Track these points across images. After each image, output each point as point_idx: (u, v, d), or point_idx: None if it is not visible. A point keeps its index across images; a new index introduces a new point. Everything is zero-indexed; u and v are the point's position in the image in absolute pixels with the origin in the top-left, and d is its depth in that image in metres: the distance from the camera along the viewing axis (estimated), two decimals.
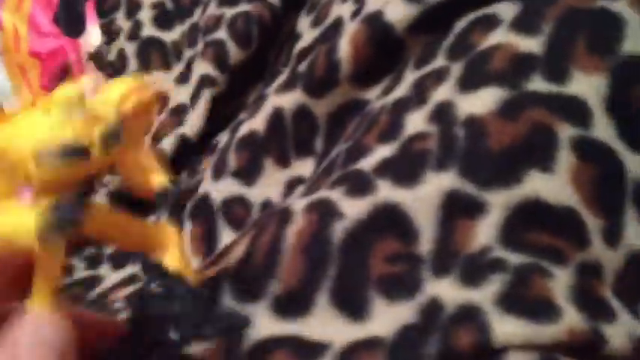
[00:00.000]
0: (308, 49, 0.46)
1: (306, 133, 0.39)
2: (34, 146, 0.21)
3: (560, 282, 0.25)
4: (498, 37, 0.31)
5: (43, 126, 0.21)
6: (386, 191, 0.29)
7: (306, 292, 0.28)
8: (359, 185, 0.30)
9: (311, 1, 0.51)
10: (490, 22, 0.32)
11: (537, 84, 0.29)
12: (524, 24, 0.31)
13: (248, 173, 0.40)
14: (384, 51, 0.36)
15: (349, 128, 0.37)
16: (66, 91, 0.22)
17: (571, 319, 0.24)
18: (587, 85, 0.29)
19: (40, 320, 0.22)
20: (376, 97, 0.37)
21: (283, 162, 0.39)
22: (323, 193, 0.30)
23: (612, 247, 0.27)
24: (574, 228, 0.27)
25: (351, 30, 0.37)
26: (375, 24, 0.36)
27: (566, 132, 0.28)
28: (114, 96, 0.22)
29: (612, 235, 0.27)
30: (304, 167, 0.39)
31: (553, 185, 0.27)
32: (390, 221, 0.28)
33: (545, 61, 0.30)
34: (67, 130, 0.21)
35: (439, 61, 0.33)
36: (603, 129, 0.28)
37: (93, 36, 0.62)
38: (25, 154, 0.21)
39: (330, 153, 0.37)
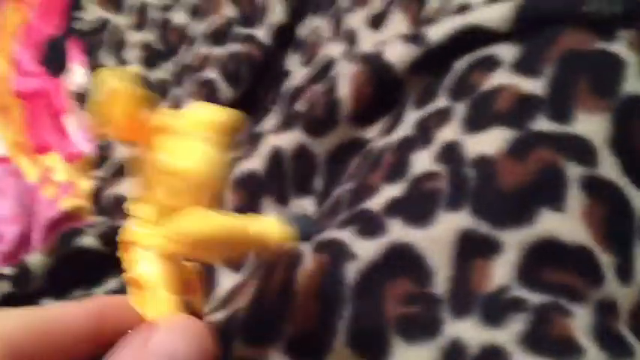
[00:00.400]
0: (301, 89, 0.46)
1: (305, 172, 0.39)
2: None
3: (580, 320, 0.25)
4: (501, 78, 0.32)
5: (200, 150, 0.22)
6: (397, 231, 0.29)
7: (321, 335, 0.27)
8: (369, 225, 0.30)
9: (298, 40, 0.52)
10: (490, 63, 0.33)
11: (543, 124, 0.30)
12: (525, 66, 0.32)
13: (246, 213, 0.39)
14: (383, 91, 0.37)
15: (350, 167, 0.37)
16: (211, 113, 0.24)
17: (593, 357, 0.24)
18: (591, 124, 0.29)
19: (175, 328, 0.21)
20: (376, 137, 0.37)
21: (282, 201, 0.39)
22: (332, 234, 0.30)
23: (625, 284, 0.27)
24: (589, 266, 0.27)
25: (350, 70, 0.37)
26: (376, 64, 0.37)
27: (574, 171, 0.28)
28: (203, 119, 0.23)
29: (625, 272, 0.27)
30: (303, 206, 0.38)
31: (565, 223, 0.27)
32: (404, 261, 0.28)
33: (549, 102, 0.30)
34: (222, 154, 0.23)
35: (441, 101, 0.34)
36: (609, 167, 0.29)
37: (77, 75, 0.61)
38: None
39: (330, 192, 0.37)
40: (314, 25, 0.51)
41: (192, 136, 0.23)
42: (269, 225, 0.25)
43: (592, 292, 0.26)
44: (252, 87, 0.52)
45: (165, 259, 0.23)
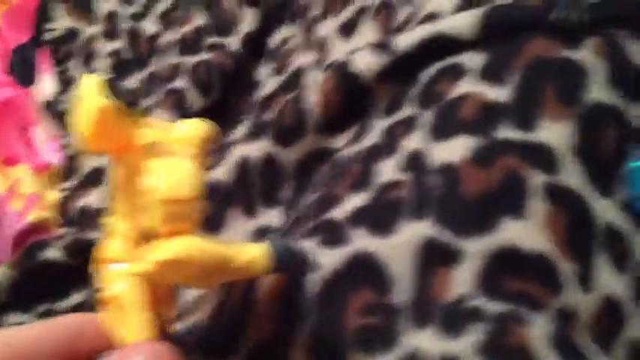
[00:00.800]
0: (270, 98, 0.46)
1: (273, 182, 0.38)
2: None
3: (538, 329, 0.25)
4: (467, 86, 0.32)
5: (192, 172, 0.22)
6: (360, 241, 0.28)
7: (281, 346, 0.27)
8: (333, 235, 0.29)
9: (270, 49, 0.51)
10: (457, 72, 0.33)
11: (507, 132, 0.30)
12: (491, 73, 0.32)
13: (212, 224, 0.39)
14: (352, 99, 0.37)
15: (318, 177, 0.36)
16: (197, 128, 0.24)
17: None
18: (556, 132, 0.29)
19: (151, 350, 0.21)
20: (344, 146, 0.36)
21: (250, 212, 0.38)
22: (297, 244, 0.29)
23: (586, 292, 0.27)
24: (549, 274, 0.27)
25: (319, 79, 0.37)
26: (344, 73, 0.36)
27: (537, 179, 0.28)
28: (189, 135, 0.23)
29: (586, 280, 0.27)
30: (271, 216, 0.38)
31: (527, 232, 0.27)
32: (366, 271, 0.28)
33: (514, 110, 0.30)
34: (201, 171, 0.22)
35: (408, 110, 0.34)
36: (573, 175, 0.29)
37: (46, 85, 0.60)
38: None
39: (298, 202, 0.37)
40: (285, 34, 0.51)
41: (181, 155, 0.22)
42: (256, 256, 0.24)
43: (552, 301, 0.26)
44: (223, 96, 0.51)
45: (143, 281, 0.22)
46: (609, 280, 0.28)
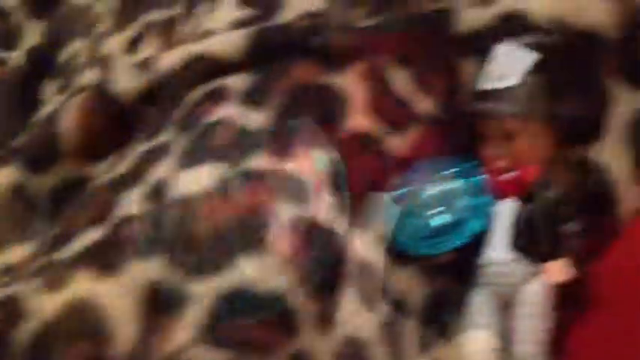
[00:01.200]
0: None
1: (24, 214, 0.34)
2: None
3: None
4: (226, 110, 0.30)
5: None
6: (83, 285, 0.25)
7: None
8: (54, 278, 0.26)
9: (57, 65, 0.47)
10: (220, 95, 0.31)
11: (259, 161, 0.28)
12: (253, 97, 0.30)
13: None
14: (111, 123, 0.33)
15: (68, 209, 0.33)
16: None
17: None
18: (309, 161, 0.28)
19: None
20: (101, 173, 0.33)
21: None
22: (14, 288, 0.26)
23: (326, 331, 0.26)
24: (284, 316, 0.25)
25: (75, 101, 0.34)
26: (101, 94, 0.33)
27: (284, 211, 0.26)
28: None
29: (328, 319, 0.26)
30: (20, 252, 0.34)
31: (264, 270, 0.25)
32: (85, 322, 0.24)
33: (270, 138, 0.28)
34: None
35: (167, 135, 0.31)
36: (323, 207, 0.27)
37: None
38: None
39: (51, 236, 0.33)
40: (73, 50, 0.47)
41: None
42: None
43: (285, 345, 0.24)
44: (8, 114, 0.46)
45: None
46: (354, 316, 0.26)
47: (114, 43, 0.42)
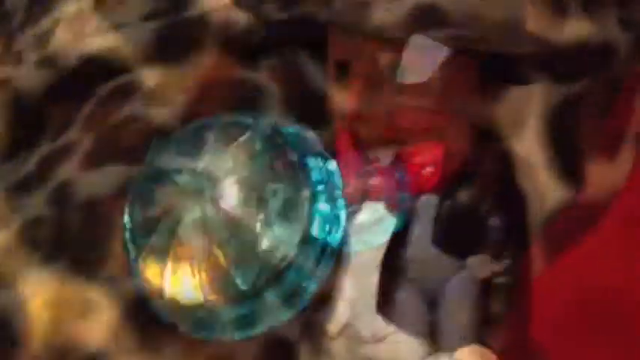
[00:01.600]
0: None
1: None
2: None
3: None
4: (135, 108, 0.28)
5: None
6: None
7: None
8: None
9: None
10: (129, 91, 0.29)
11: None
12: (159, 93, 0.29)
13: None
14: (19, 121, 0.32)
15: None
16: None
17: None
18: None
19: None
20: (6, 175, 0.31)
21: None
22: None
23: None
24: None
25: None
26: (5, 90, 0.31)
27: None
28: None
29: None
30: None
31: None
32: None
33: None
34: None
35: (73, 133, 0.29)
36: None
37: None
38: None
39: None
40: None
41: None
42: None
43: None
44: None
45: None
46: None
47: (26, 38, 0.40)
